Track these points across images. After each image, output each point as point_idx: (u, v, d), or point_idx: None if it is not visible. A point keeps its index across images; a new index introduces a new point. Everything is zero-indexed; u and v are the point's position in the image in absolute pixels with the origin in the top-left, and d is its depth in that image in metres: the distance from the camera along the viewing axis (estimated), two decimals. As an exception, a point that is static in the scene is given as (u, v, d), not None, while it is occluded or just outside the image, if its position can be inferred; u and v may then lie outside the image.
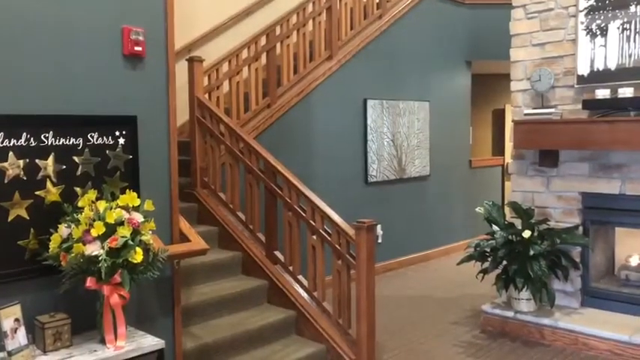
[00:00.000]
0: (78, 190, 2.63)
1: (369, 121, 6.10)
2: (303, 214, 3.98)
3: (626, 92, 4.00)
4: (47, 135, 2.54)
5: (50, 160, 2.55)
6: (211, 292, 3.90)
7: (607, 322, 4.12)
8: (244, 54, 5.12)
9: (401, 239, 6.51)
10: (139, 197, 2.58)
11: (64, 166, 2.60)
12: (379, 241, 6.18)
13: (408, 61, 6.56)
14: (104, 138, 2.73)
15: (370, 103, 6.11)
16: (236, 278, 4.22)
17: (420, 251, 6.77)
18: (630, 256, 4.56)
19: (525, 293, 4.29)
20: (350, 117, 5.98)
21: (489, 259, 4.38)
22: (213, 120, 4.58)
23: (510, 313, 4.41)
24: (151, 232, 2.54)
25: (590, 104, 4.18)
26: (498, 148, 8.80)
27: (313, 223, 3.91)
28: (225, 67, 5.06)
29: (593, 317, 4.23)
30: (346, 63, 5.84)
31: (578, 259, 4.35)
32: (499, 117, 8.84)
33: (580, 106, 4.24)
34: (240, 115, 5.03)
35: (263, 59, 5.25)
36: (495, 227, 4.42)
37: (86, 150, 2.66)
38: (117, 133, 2.77)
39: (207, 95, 4.87)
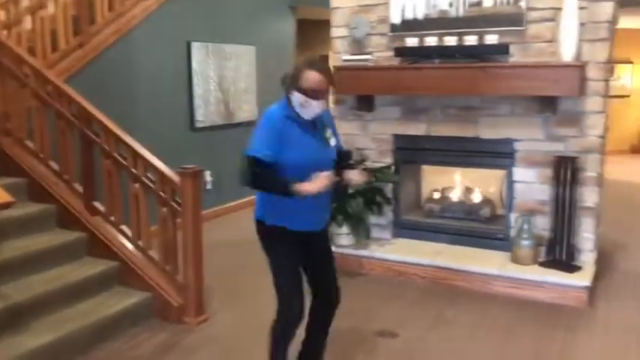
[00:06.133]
0: None
1: (193, 65, 5.93)
2: (124, 162, 3.81)
3: (431, 41, 4.36)
4: None
5: None
6: (23, 248, 3.60)
7: (414, 249, 4.61)
8: (49, -14, 4.61)
9: (231, 184, 6.52)
10: None
11: None
12: (208, 187, 6.16)
13: (232, 3, 6.42)
14: None
15: (195, 45, 5.92)
16: (51, 232, 3.94)
17: (252, 195, 6.84)
18: (434, 190, 5.11)
19: (345, 228, 4.61)
20: (173, 59, 5.75)
21: (313, 199, 4.59)
22: (13, 60, 4.10)
23: (332, 248, 4.71)
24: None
25: (401, 52, 4.49)
26: (323, 93, 9.10)
27: (135, 171, 3.77)
28: (25, 1, 4.52)
29: (403, 246, 4.70)
30: (166, 2, 5.54)
31: (390, 195, 4.76)
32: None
33: (393, 53, 4.54)
34: (48, 55, 4.56)
35: (72, -7, 4.78)
36: (318, 169, 4.63)
37: None
38: None
39: (4, 32, 4.33)
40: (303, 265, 2.65)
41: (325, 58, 8.95)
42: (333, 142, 2.58)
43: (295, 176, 2.37)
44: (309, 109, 2.41)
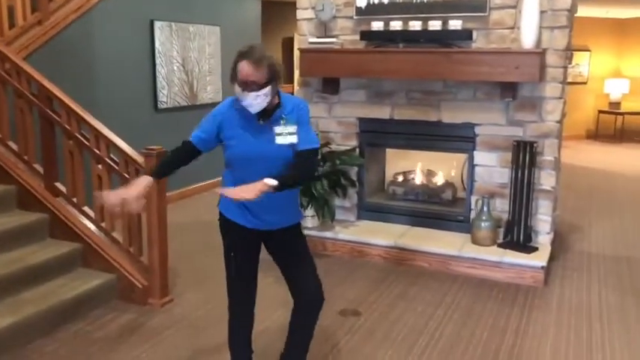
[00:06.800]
0: None
1: (156, 44, 5.83)
2: (86, 143, 3.75)
3: (396, 25, 4.40)
4: None
5: None
6: (-19, 230, 3.53)
7: (378, 231, 4.69)
8: (5, -40, 4.45)
9: (194, 166, 6.41)
10: None
11: None
12: (172, 168, 6.09)
13: (197, -18, 6.33)
14: None
15: (158, 24, 5.82)
16: (11, 213, 3.85)
17: (214, 177, 6.82)
18: (397, 173, 5.19)
19: (310, 211, 4.65)
20: (136, 39, 5.64)
21: (278, 181, 4.61)
22: (-31, 36, 3.97)
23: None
24: None
25: (366, 35, 4.52)
26: (288, 76, 9.08)
27: (98, 152, 3.71)
28: (-20, -26, 4.36)
29: (367, 228, 4.78)
30: (129, -21, 5.44)
31: (355, 178, 4.81)
32: (289, 45, 9.08)
33: (358, 36, 4.56)
34: (5, 32, 4.42)
35: (29, -32, 4.63)
36: (283, 151, 4.65)
37: None
38: None
39: (-41, 6, 4.18)
40: (276, 262, 2.60)
41: (285, 42, 8.92)
42: (289, 139, 2.35)
43: (240, 171, 2.36)
44: (246, 101, 2.29)
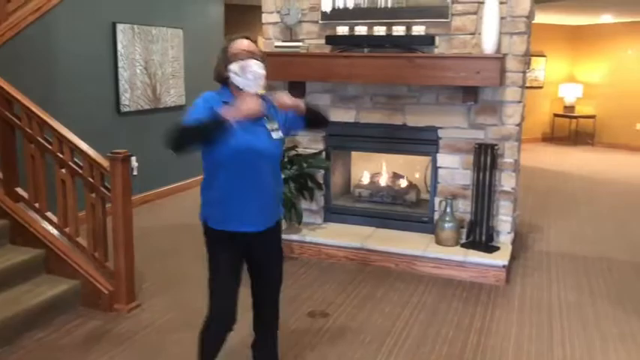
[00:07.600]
0: None
1: (119, 47, 5.75)
2: (49, 147, 3.67)
3: (361, 30, 4.47)
4: None
5: None
6: (-63, 238, 3.42)
7: (344, 233, 4.74)
8: (-39, -41, 4.34)
9: (158, 170, 6.42)
10: None
11: None
12: (135, 173, 6.01)
13: (159, -16, 6.27)
14: None
15: (120, 27, 5.74)
16: (-31, 220, 3.76)
17: (178, 182, 6.78)
18: (362, 175, 5.26)
19: (277, 214, 4.66)
20: (98, 41, 5.55)
21: (244, 184, 4.61)
22: None
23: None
24: None
25: (332, 40, 4.57)
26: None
27: (61, 156, 3.65)
28: None
29: (333, 230, 4.83)
30: (90, -19, 5.35)
31: (321, 181, 4.85)
32: (252, 48, 9.06)
33: (324, 41, 4.61)
34: (-39, 33, 4.31)
35: (-14, -33, 4.52)
36: (250, 154, 4.65)
37: None
38: None
39: None
40: (250, 272, 2.56)
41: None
42: (278, 134, 2.37)
43: (232, 172, 2.29)
44: (250, 70, 2.26)
